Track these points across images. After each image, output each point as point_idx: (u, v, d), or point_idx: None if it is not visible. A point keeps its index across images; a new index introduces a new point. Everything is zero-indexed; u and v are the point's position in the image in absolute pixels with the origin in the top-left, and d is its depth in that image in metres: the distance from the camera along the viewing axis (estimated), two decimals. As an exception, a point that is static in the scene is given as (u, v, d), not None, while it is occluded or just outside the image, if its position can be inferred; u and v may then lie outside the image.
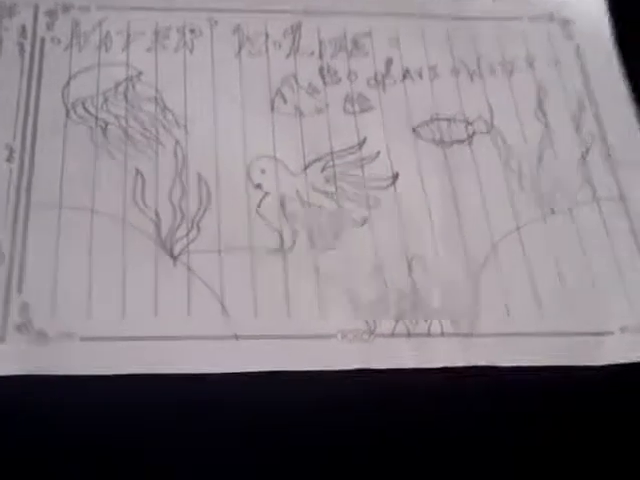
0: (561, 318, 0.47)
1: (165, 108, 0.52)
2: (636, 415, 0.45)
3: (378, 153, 0.52)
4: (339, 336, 0.45)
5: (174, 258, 0.47)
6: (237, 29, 0.56)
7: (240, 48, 0.55)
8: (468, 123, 0.54)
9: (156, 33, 0.55)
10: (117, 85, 0.52)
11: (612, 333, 0.47)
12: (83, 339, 0.44)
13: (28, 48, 0.53)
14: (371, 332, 0.46)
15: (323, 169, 0.51)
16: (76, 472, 0.41)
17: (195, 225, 0.48)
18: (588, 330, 0.47)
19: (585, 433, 0.44)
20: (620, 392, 0.45)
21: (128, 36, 0.54)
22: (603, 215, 0.51)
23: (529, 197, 0.51)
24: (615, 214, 0.51)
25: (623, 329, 0.47)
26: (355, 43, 0.56)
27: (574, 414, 0.45)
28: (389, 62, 0.56)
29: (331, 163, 0.51)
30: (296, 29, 0.56)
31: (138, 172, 0.49)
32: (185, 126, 0.51)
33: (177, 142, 0.51)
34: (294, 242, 0.48)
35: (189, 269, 0.46)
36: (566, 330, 0.47)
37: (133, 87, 0.52)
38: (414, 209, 0.50)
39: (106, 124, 0.51)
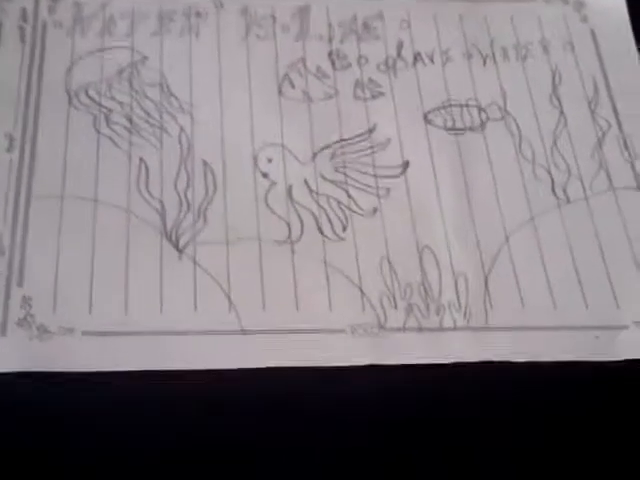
0: (576, 312, 0.46)
1: (170, 94, 0.51)
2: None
3: (389, 140, 0.51)
4: (348, 330, 0.45)
5: (179, 250, 0.46)
6: (244, 12, 0.55)
7: (247, 32, 0.54)
8: (481, 109, 0.53)
9: (161, 17, 0.54)
10: (121, 71, 0.51)
11: (627, 327, 0.46)
12: (85, 334, 0.43)
13: (29, 32, 0.52)
14: (381, 326, 0.45)
15: (332, 157, 0.50)
16: (78, 467, 0.41)
17: (201, 216, 0.47)
18: (603, 324, 0.46)
19: (599, 428, 0.44)
20: (634, 387, 0.45)
21: (132, 20, 0.53)
22: (619, 204, 0.50)
23: (543, 186, 0.50)
24: (632, 203, 0.50)
25: (638, 324, 0.46)
26: (365, 26, 0.55)
27: (588, 409, 0.44)
28: (400, 46, 0.55)
29: (340, 151, 0.50)
30: (304, 12, 0.55)
31: (142, 161, 0.48)
32: (191, 113, 0.50)
33: (182, 129, 0.50)
34: (302, 233, 0.47)
35: (195, 262, 0.46)
36: (580, 324, 0.46)
37: (137, 73, 0.52)
38: (425, 199, 0.49)
39: (110, 111, 0.50)
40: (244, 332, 0.44)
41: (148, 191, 0.48)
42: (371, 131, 0.51)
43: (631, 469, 0.43)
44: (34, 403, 0.42)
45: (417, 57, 0.54)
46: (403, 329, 0.45)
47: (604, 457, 0.43)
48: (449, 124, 0.52)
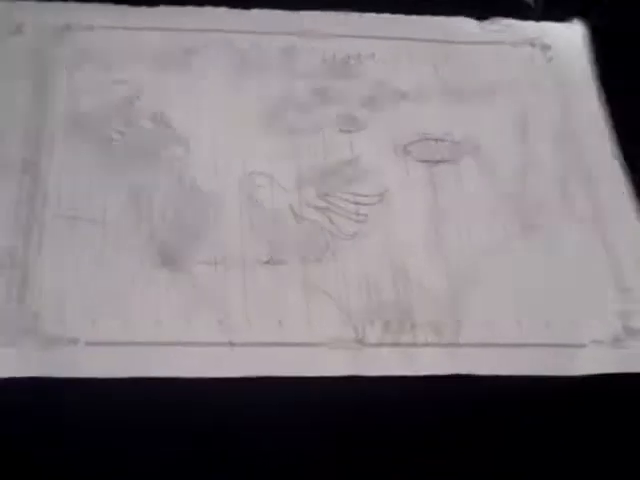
0: (538, 331, 0.49)
1: (166, 125, 0.54)
2: (605, 421, 0.47)
3: (368, 171, 0.54)
4: (329, 344, 0.48)
5: (174, 269, 0.49)
6: (235, 49, 0.58)
7: (238, 68, 0.57)
8: (455, 143, 0.56)
9: (157, 52, 0.57)
10: (120, 103, 0.54)
11: (585, 346, 0.49)
12: (88, 344, 0.46)
13: (34, 66, 0.55)
14: (359, 341, 0.48)
15: (316, 185, 0.53)
16: (82, 470, 0.43)
17: (194, 238, 0.50)
18: (563, 342, 0.49)
19: (559, 439, 0.47)
20: (591, 401, 0.48)
21: (130, 55, 0.56)
22: (580, 234, 0.53)
23: (511, 215, 0.53)
24: (591, 233, 0.53)
25: (595, 342, 0.49)
26: (348, 65, 0.58)
27: (548, 420, 0.47)
28: (380, 83, 0.58)
29: (324, 180, 0.53)
30: (291, 50, 0.58)
31: (140, 187, 0.51)
32: (185, 142, 0.53)
33: (177, 158, 0.53)
34: (287, 255, 0.50)
35: (188, 279, 0.48)
36: (542, 342, 0.49)
37: (135, 105, 0.54)
38: (401, 225, 0.52)
39: (110, 140, 0.53)
40: (232, 344, 0.47)
41: (146, 214, 0.50)
42: (352, 162, 0.54)
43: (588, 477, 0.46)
44: (41, 407, 0.44)
45: (395, 94, 0.57)
46: (379, 344, 0.48)
47: (567, 467, 0.46)
48: (425, 156, 0.55)
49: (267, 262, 0.50)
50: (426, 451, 0.46)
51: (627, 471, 0.46)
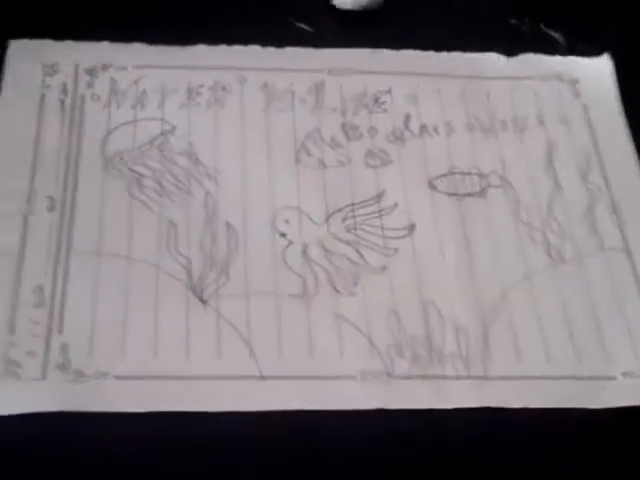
0: (568, 363, 0.50)
1: (197, 161, 0.55)
2: (634, 455, 0.47)
3: (396, 204, 0.55)
4: (359, 377, 0.48)
5: (204, 302, 0.49)
6: (265, 86, 0.59)
7: (268, 104, 0.58)
8: (482, 176, 0.56)
9: (189, 90, 0.58)
10: (152, 140, 0.55)
11: (615, 378, 0.49)
12: (118, 377, 0.47)
13: (69, 104, 0.56)
14: (389, 374, 0.48)
15: (344, 219, 0.54)
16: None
17: (224, 271, 0.51)
18: (593, 375, 0.49)
19: (589, 472, 0.47)
20: (621, 434, 0.48)
21: (163, 93, 0.57)
22: (609, 265, 0.53)
23: (539, 247, 0.54)
24: (620, 265, 0.53)
25: (625, 374, 0.49)
26: (375, 100, 0.59)
27: (578, 453, 0.47)
28: (407, 118, 0.59)
29: (352, 214, 0.54)
30: (320, 87, 0.59)
31: (171, 222, 0.52)
32: (216, 178, 0.54)
33: (208, 193, 0.54)
34: (317, 288, 0.51)
35: (218, 312, 0.49)
36: (572, 374, 0.49)
37: (167, 141, 0.55)
38: (430, 258, 0.53)
39: (142, 176, 0.54)
40: (263, 378, 0.47)
41: (176, 249, 0.51)
42: (380, 196, 0.55)
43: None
44: (71, 441, 0.45)
45: (423, 129, 0.58)
46: (409, 377, 0.48)
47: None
48: (452, 190, 0.56)
49: (298, 295, 0.50)
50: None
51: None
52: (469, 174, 0.56)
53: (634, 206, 0.56)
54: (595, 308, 0.52)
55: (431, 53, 0.61)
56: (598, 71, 0.62)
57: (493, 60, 0.62)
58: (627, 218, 0.56)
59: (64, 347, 0.47)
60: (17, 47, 0.58)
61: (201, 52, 0.59)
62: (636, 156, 0.58)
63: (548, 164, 0.57)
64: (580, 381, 0.49)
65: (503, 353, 0.50)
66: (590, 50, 0.63)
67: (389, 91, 0.60)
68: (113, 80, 0.57)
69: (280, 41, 0.60)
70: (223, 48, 0.60)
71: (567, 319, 0.51)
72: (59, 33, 0.58)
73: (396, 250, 0.53)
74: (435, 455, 0.47)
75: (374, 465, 0.46)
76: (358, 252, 0.52)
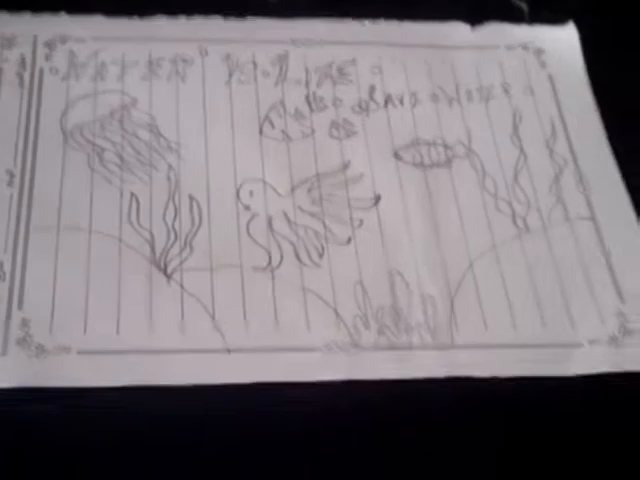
0: (534, 331, 0.50)
1: (159, 134, 0.54)
2: (601, 421, 0.47)
3: (362, 175, 0.54)
4: (325, 349, 0.48)
5: (168, 276, 0.49)
6: (227, 58, 0.58)
7: (230, 76, 0.57)
8: (447, 147, 0.56)
9: (150, 62, 0.57)
10: (113, 112, 0.54)
11: (582, 346, 0.49)
12: (80, 352, 0.46)
13: (27, 78, 0.55)
14: (355, 345, 0.48)
15: (309, 191, 0.53)
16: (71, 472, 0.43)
17: (188, 244, 0.50)
18: (559, 342, 0.49)
19: (555, 439, 0.46)
20: (587, 401, 0.48)
21: (123, 66, 0.57)
22: (575, 234, 0.53)
23: (505, 217, 0.54)
24: (586, 234, 0.53)
25: (592, 342, 0.50)
26: (340, 71, 0.59)
27: (544, 421, 0.47)
28: (372, 89, 0.58)
29: (317, 185, 0.53)
30: (284, 58, 0.59)
31: (133, 195, 0.51)
32: (178, 151, 0.54)
33: (170, 166, 0.53)
34: (281, 260, 0.50)
35: (182, 286, 0.48)
36: (539, 342, 0.49)
37: (128, 114, 0.55)
38: (395, 228, 0.52)
39: (102, 150, 0.53)
40: (228, 351, 0.47)
41: (139, 223, 0.50)
42: (345, 167, 0.54)
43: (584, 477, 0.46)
44: (32, 417, 0.44)
45: (388, 99, 0.58)
46: (375, 347, 0.48)
47: (559, 466, 0.46)
48: (417, 161, 0.55)
49: (262, 268, 0.50)
50: (421, 455, 0.46)
51: (624, 471, 0.46)
52: (434, 144, 0.56)
53: (600, 176, 0.56)
54: (561, 277, 0.52)
55: (395, 23, 0.61)
56: (564, 41, 0.62)
57: (458, 29, 0.61)
58: (593, 187, 0.55)
59: (25, 322, 0.46)
60: (-27, 20, 0.57)
61: (161, 24, 0.59)
62: (602, 125, 0.58)
63: (514, 134, 0.57)
64: (547, 349, 0.49)
65: (470, 322, 0.49)
66: (555, 18, 0.62)
67: (353, 62, 0.59)
68: (72, 53, 0.57)
69: (242, 12, 0.60)
70: (183, 19, 0.59)
71: (533, 288, 0.51)
72: (16, 5, 0.57)
73: (362, 221, 0.52)
74: (403, 426, 0.46)
75: (340, 437, 0.46)
76: (323, 223, 0.52)
